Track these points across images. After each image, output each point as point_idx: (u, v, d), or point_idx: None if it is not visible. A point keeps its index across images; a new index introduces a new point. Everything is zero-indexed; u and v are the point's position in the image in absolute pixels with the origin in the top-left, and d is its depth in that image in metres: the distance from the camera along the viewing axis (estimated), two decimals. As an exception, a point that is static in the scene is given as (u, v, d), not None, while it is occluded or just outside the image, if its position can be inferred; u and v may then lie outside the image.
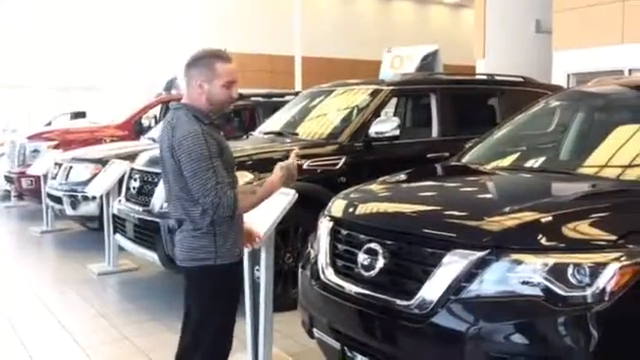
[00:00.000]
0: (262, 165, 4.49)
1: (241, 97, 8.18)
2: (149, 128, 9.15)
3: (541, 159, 3.87)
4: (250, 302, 3.53)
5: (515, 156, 3.89)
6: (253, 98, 8.23)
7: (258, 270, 3.44)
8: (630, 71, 8.50)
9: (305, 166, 4.64)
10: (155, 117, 10.12)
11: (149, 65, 17.88)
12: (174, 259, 4.45)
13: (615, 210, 2.57)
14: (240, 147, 5.19)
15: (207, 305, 2.63)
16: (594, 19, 9.41)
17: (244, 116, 8.55)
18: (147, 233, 4.74)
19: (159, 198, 4.69)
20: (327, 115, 5.77)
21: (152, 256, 4.68)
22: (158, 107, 10.69)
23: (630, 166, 3.10)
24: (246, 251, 3.50)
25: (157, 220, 4.62)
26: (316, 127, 5.55)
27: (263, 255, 3.33)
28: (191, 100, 2.57)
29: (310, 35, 16.67)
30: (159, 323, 4.45)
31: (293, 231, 4.56)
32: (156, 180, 4.80)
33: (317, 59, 16.54)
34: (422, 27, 20.47)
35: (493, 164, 3.64)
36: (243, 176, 4.61)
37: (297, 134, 5.50)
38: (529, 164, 3.76)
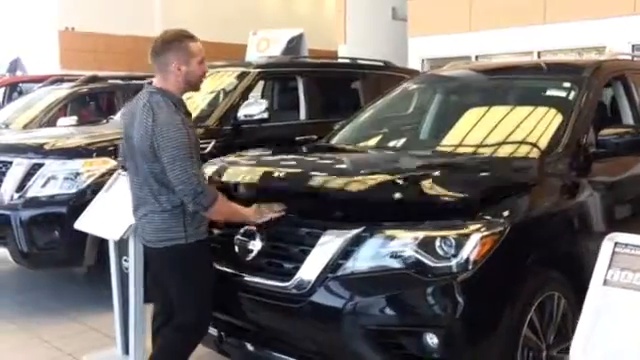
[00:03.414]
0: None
1: (97, 80, 7.71)
2: (-8, 113, 8.29)
3: (402, 140, 4.06)
4: (118, 294, 3.35)
5: (379, 137, 4.04)
6: (111, 81, 7.77)
7: (126, 261, 3.27)
8: (477, 57, 9.20)
9: None
10: (-2, 101, 9.25)
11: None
12: (26, 254, 4.20)
13: (473, 184, 2.75)
14: (100, 132, 4.90)
15: (183, 284, 2.62)
16: (445, 8, 10.04)
17: (102, 100, 8.06)
18: (-4, 227, 4.32)
19: (8, 188, 4.28)
20: (194, 98, 5.58)
21: (2, 252, 4.28)
22: (1, 90, 9.80)
23: (482, 145, 3.34)
24: (112, 242, 3.33)
25: (7, 212, 4.22)
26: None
27: (131, 245, 3.16)
28: (168, 84, 2.58)
29: (171, 16, 16.05)
30: (10, 322, 4.11)
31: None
32: (4, 169, 4.38)
33: (179, 41, 15.79)
34: (286, 11, 20.54)
35: (361, 145, 3.76)
36: (105, 162, 4.37)
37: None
38: (392, 144, 3.92)
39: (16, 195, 4.26)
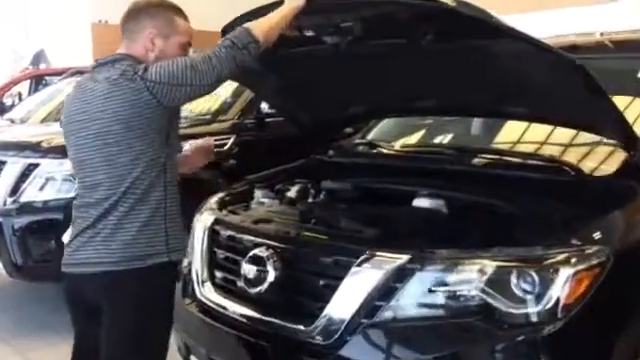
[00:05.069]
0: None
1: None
2: (12, 107, 7.95)
3: (451, 135, 3.38)
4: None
5: (422, 133, 3.39)
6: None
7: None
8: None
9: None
10: (20, 94, 8.92)
11: (10, 36, 16.06)
12: (20, 267, 3.72)
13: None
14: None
15: (140, 320, 1.88)
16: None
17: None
18: (-13, 236, 3.85)
19: (1, 192, 3.81)
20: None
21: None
22: (25, 83, 9.50)
23: (561, 143, 2.64)
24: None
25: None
26: (201, 102, 4.84)
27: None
28: (135, 53, 1.94)
29: (204, 7, 15.60)
30: (6, 344, 3.64)
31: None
32: (-3, 170, 3.91)
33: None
34: None
35: (400, 142, 3.12)
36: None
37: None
38: (439, 141, 3.27)
39: (9, 200, 3.78)
